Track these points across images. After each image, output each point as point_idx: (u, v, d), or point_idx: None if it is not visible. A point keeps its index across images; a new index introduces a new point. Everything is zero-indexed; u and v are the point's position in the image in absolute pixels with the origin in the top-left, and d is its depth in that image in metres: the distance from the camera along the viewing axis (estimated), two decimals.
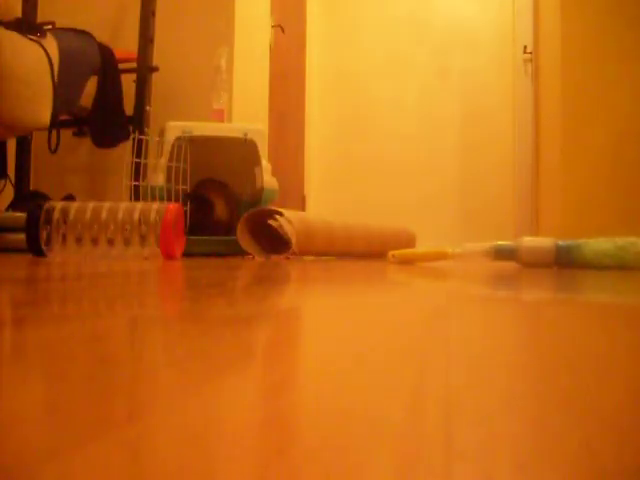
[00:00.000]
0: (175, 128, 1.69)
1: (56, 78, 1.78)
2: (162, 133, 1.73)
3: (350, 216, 2.28)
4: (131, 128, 2.12)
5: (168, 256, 1.37)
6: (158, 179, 1.64)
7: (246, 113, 2.34)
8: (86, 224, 1.36)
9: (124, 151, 2.10)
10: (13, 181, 2.07)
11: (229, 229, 1.76)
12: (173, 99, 2.21)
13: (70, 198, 2.04)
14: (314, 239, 1.60)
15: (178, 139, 1.67)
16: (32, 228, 1.36)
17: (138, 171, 1.94)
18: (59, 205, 1.41)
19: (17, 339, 0.32)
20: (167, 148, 1.66)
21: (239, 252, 1.62)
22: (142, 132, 2.14)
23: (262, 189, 1.77)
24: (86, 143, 2.17)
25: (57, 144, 1.80)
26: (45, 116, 1.74)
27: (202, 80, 2.13)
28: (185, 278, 0.83)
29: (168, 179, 1.64)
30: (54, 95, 1.78)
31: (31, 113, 1.71)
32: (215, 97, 1.88)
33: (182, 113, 2.12)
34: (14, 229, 1.68)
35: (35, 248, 1.36)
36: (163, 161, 1.66)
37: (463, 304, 0.53)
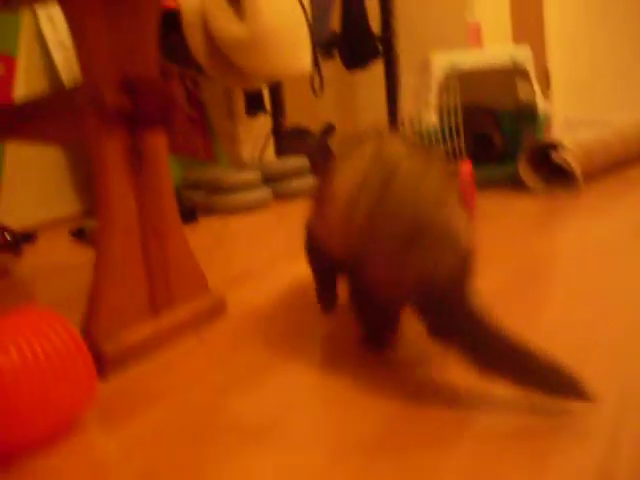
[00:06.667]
0: (442, 63, 1.61)
1: (310, 18, 1.75)
2: (426, 66, 1.66)
3: None
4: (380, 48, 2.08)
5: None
6: (431, 118, 1.61)
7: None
8: None
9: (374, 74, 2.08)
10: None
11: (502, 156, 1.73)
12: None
13: (330, 128, 2.08)
14: (594, 164, 1.60)
15: (447, 78, 1.60)
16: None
17: (394, 97, 1.92)
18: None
19: None
20: (434, 84, 1.61)
21: (513, 181, 1.58)
22: (392, 50, 2.09)
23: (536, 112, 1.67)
24: (333, 66, 2.14)
25: (321, 85, 1.81)
26: (306, 62, 1.72)
27: None
28: None
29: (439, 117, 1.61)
30: (310, 36, 1.76)
31: (294, 61, 1.71)
32: (467, 8, 1.77)
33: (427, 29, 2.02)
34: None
35: None
36: (432, 98, 1.61)
37: None
